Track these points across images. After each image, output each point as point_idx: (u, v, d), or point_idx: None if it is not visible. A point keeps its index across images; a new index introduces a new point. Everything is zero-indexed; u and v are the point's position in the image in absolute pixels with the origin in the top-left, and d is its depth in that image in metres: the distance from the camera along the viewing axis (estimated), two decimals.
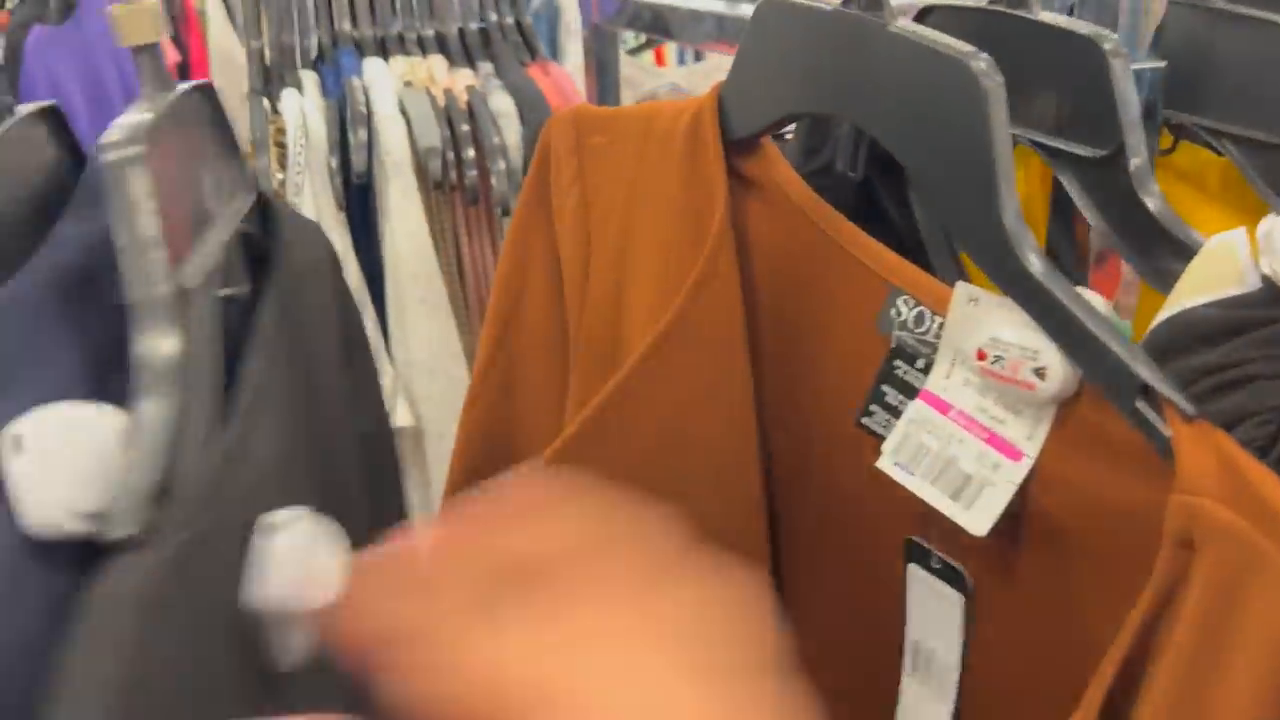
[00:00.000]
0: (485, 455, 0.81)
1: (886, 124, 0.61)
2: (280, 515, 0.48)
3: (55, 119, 0.58)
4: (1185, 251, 0.65)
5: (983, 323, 0.56)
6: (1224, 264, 0.58)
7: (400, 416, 1.56)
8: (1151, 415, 0.49)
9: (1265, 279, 0.54)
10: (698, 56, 2.44)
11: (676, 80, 2.00)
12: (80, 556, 0.41)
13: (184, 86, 0.57)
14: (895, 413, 0.61)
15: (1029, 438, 0.55)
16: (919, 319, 0.61)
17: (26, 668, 0.37)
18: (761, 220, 0.69)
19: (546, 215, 0.77)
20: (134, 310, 0.47)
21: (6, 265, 0.51)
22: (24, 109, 0.56)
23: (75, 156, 0.60)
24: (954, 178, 0.57)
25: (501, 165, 1.53)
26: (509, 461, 0.78)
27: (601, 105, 1.58)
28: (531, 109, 1.57)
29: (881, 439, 0.61)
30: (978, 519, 0.55)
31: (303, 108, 1.51)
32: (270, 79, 1.60)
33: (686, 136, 0.70)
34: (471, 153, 1.53)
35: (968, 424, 0.57)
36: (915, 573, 0.63)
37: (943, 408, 0.59)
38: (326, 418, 0.64)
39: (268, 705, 0.48)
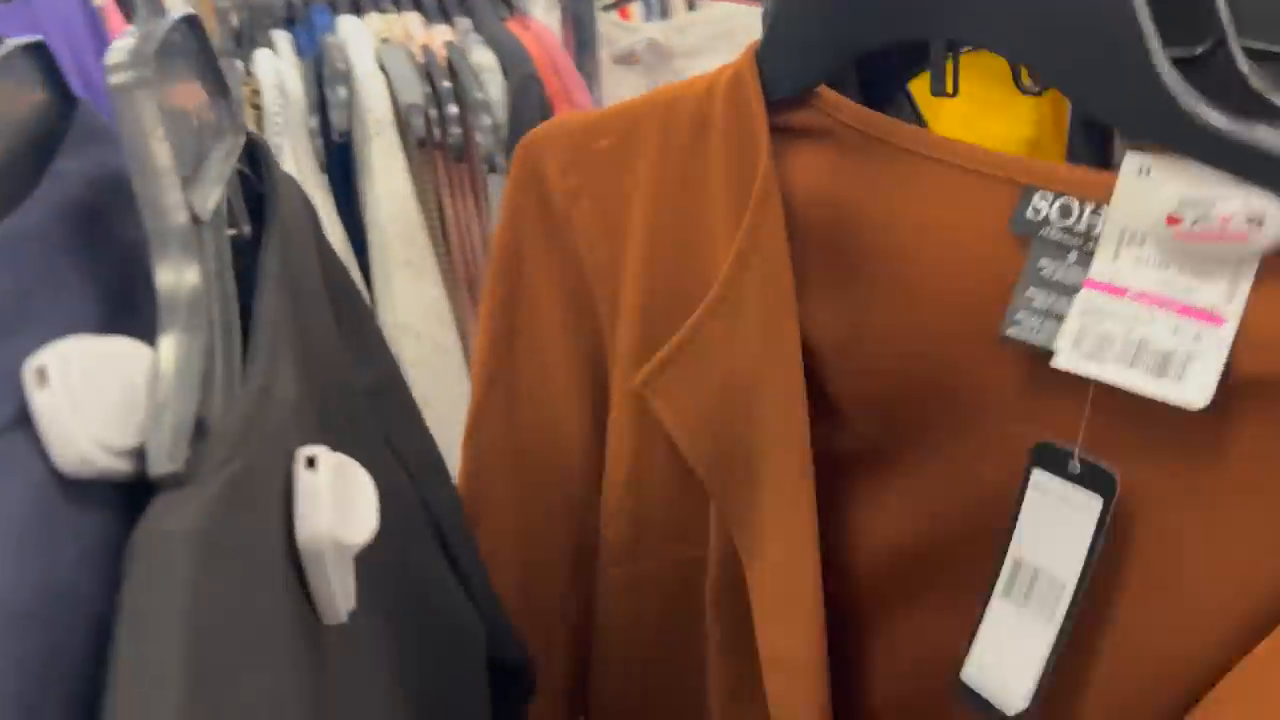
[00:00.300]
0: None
1: (998, 27, 0.56)
2: (318, 449, 0.46)
3: (43, 56, 0.53)
4: None
5: (1162, 190, 0.51)
6: None
7: None
8: None
9: None
10: (664, 13, 2.34)
11: (654, 35, 1.91)
12: (114, 497, 0.39)
13: (174, 15, 0.52)
14: (1048, 315, 0.56)
15: (1228, 300, 0.50)
16: (1064, 211, 0.56)
17: (62, 610, 0.35)
18: (825, 168, 0.64)
19: (544, 239, 0.74)
20: (153, 240, 0.44)
21: (4, 201, 0.46)
22: (11, 43, 0.50)
23: (65, 96, 0.54)
24: (1096, 62, 0.52)
25: (486, 121, 1.48)
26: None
27: (580, 61, 1.60)
28: (514, 62, 1.51)
29: (1033, 347, 0.56)
30: (1193, 391, 0.50)
31: (278, 68, 1.44)
32: (240, 40, 1.52)
33: (726, 105, 0.66)
34: (454, 109, 1.47)
35: (1153, 301, 0.52)
36: (1040, 480, 0.57)
37: (1117, 291, 0.53)
38: (326, 368, 0.60)
39: (313, 655, 0.46)
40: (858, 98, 0.66)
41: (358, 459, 0.50)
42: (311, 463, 0.46)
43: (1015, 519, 0.58)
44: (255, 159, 0.61)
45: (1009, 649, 0.58)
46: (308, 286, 0.60)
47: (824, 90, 0.64)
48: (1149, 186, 0.52)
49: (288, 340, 0.53)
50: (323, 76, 1.45)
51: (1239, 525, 0.52)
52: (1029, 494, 0.58)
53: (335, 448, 0.48)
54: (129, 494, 0.39)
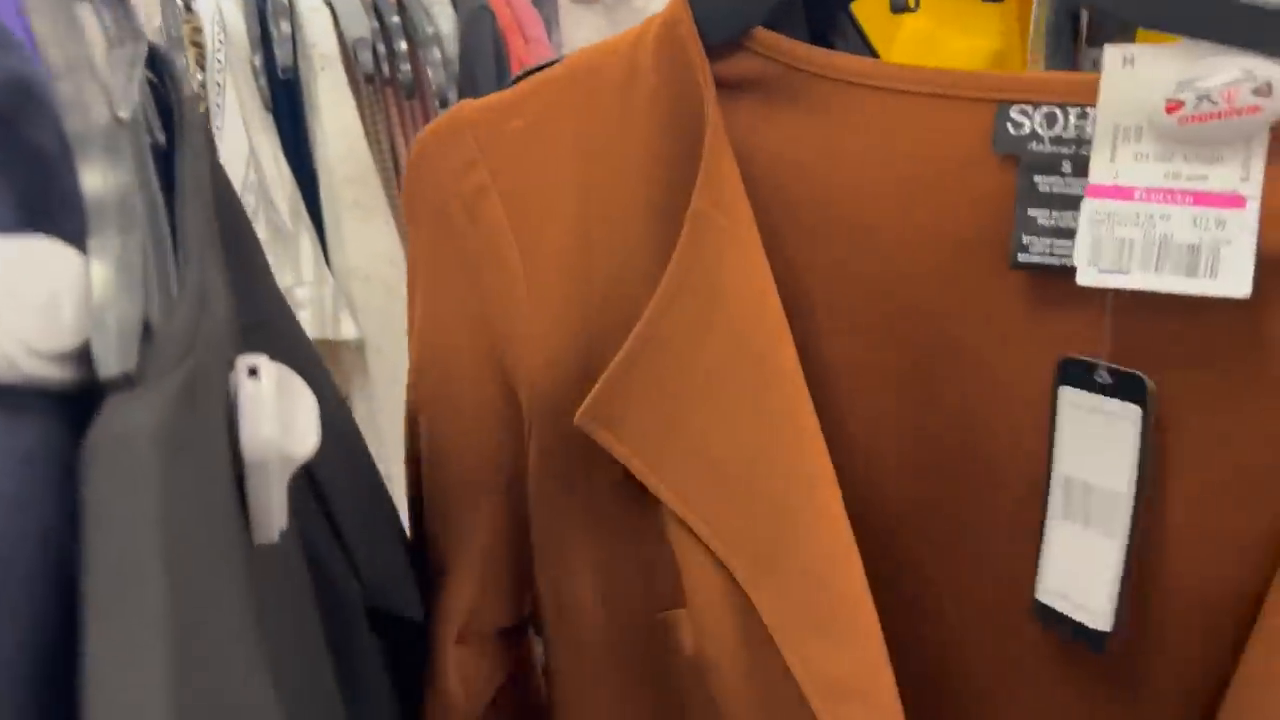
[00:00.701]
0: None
1: None
2: (259, 359, 0.44)
3: None
4: None
5: (1153, 77, 0.48)
6: None
7: (345, 329, 1.47)
8: None
9: None
10: None
11: None
12: (46, 404, 0.37)
13: None
14: (1058, 233, 0.52)
15: (1244, 179, 0.48)
16: (1049, 119, 0.52)
17: (2, 521, 0.34)
18: (776, 118, 0.58)
19: (448, 239, 0.65)
20: (76, 142, 0.41)
21: None
22: None
23: None
24: None
25: (437, 55, 1.43)
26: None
27: (537, 1, 1.54)
28: None
29: (1049, 269, 0.53)
30: (1233, 281, 0.48)
31: (219, 4, 1.39)
32: None
33: (656, 55, 0.59)
34: (404, 44, 1.42)
35: (1164, 196, 0.49)
36: (1070, 397, 0.55)
37: (1124, 194, 0.50)
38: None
39: (248, 573, 0.43)
40: (804, 35, 0.62)
41: None
42: (254, 372, 0.44)
43: (1053, 439, 0.56)
44: (159, 70, 0.56)
45: (1079, 569, 0.56)
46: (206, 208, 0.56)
47: (760, 32, 0.58)
48: (1137, 76, 0.49)
49: (214, 251, 0.50)
50: (265, 12, 1.40)
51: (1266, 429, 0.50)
52: (1062, 412, 0.55)
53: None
54: (61, 402, 0.37)
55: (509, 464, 0.66)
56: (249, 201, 1.51)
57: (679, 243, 0.56)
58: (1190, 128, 0.48)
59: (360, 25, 1.40)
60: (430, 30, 1.43)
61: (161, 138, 0.53)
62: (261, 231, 1.53)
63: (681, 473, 0.56)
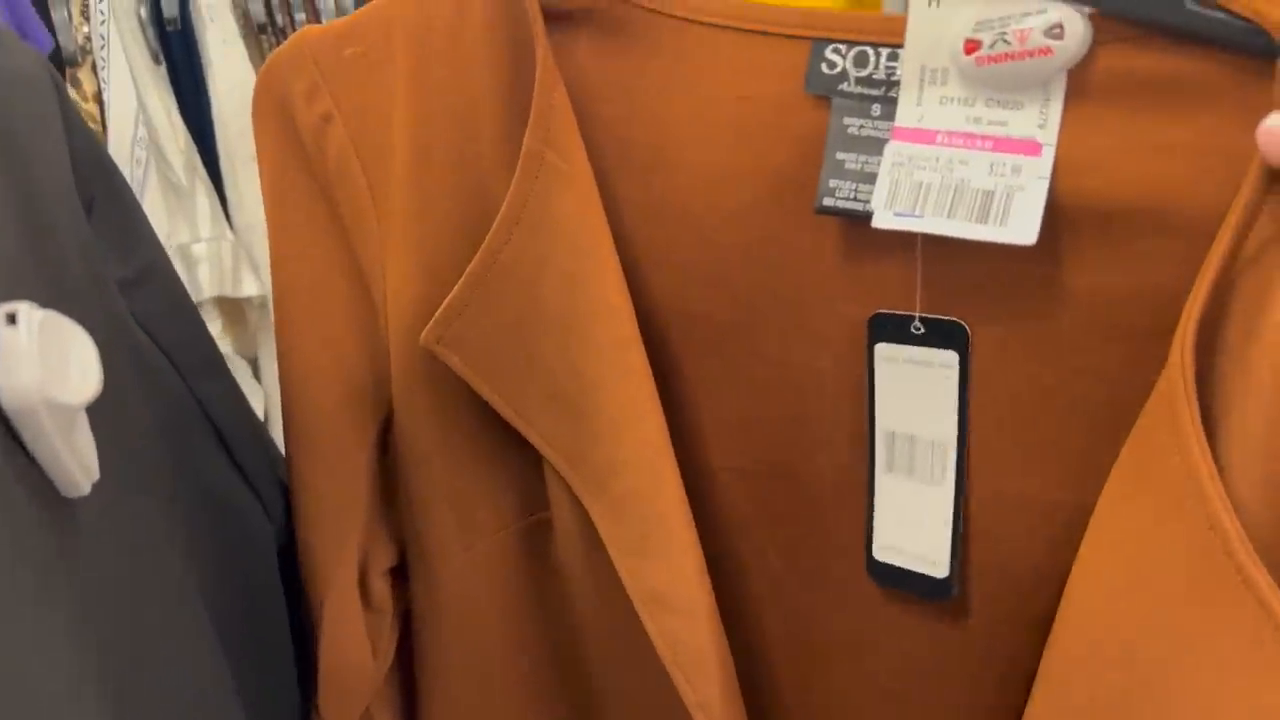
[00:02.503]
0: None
1: None
2: (19, 305, 0.41)
3: None
4: None
5: (955, 16, 0.47)
6: None
7: (246, 285, 1.43)
8: (1212, 13, 0.41)
9: None
10: None
11: None
12: None
13: None
14: (863, 177, 0.50)
15: (1041, 126, 0.46)
16: (860, 59, 0.50)
17: None
18: (602, 51, 0.57)
19: (302, 170, 0.63)
20: None
21: None
22: None
23: None
24: None
25: (332, 3, 1.38)
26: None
27: None
28: None
29: (852, 214, 0.51)
30: (1020, 229, 0.46)
31: None
32: None
33: None
34: None
35: (965, 141, 0.48)
36: (886, 352, 0.53)
37: (927, 137, 0.48)
38: (54, 259, 0.52)
39: (48, 524, 0.42)
40: None
41: (105, 350, 0.44)
42: (12, 319, 0.40)
43: (872, 394, 0.54)
44: None
45: (911, 521, 0.55)
46: (39, 173, 0.51)
47: None
48: (941, 16, 0.47)
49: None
50: None
51: (1088, 355, 0.49)
52: (879, 367, 0.54)
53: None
54: None
55: (376, 393, 0.64)
56: (140, 157, 1.45)
57: (513, 179, 0.55)
58: (987, 69, 0.46)
59: None
60: None
61: None
62: (156, 188, 1.47)
63: (522, 395, 0.57)
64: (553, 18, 0.56)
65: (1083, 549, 0.47)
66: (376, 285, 0.62)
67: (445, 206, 0.59)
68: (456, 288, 0.56)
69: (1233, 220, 0.41)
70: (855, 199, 0.50)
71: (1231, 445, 0.41)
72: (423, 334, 0.57)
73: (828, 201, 0.51)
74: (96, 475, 0.44)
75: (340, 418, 0.64)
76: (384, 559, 0.68)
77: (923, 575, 0.55)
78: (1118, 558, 0.44)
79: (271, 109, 0.62)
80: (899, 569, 0.56)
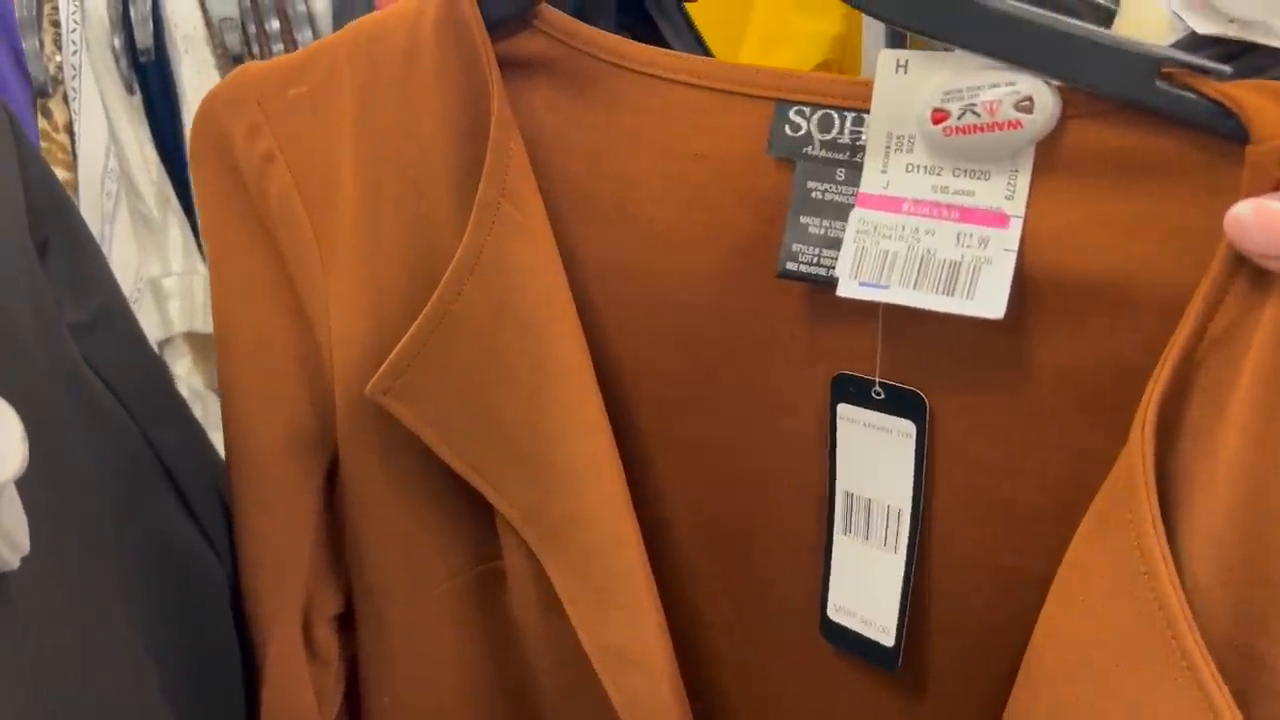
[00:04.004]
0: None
1: None
2: None
3: None
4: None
5: (923, 84, 0.46)
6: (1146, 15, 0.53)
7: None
8: (1182, 92, 0.41)
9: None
10: None
11: None
12: None
13: None
14: (827, 242, 0.49)
15: (1009, 197, 0.45)
16: (824, 123, 0.49)
17: None
18: (561, 103, 0.56)
19: (243, 211, 0.61)
20: None
21: None
22: None
23: None
24: None
25: (309, 35, 1.34)
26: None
27: None
28: None
29: (815, 279, 0.50)
30: (988, 302, 0.45)
31: None
32: None
33: (437, 33, 0.55)
34: (276, 24, 1.33)
35: (931, 210, 0.46)
36: (848, 413, 0.52)
37: (893, 205, 0.47)
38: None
39: None
40: (611, 16, 0.59)
41: (54, 400, 0.45)
42: None
43: (833, 455, 0.53)
44: None
45: (865, 585, 0.54)
46: None
47: (546, 10, 0.55)
48: (908, 84, 0.46)
49: None
50: None
51: (1049, 429, 0.48)
52: (840, 428, 0.53)
53: (22, 389, 0.42)
54: None
55: (322, 437, 0.62)
56: (111, 190, 1.43)
57: (467, 228, 0.53)
58: (955, 140, 0.45)
59: (228, 4, 1.32)
60: (303, 8, 1.34)
61: None
62: (126, 220, 1.45)
63: (475, 448, 0.56)
64: (507, 65, 0.54)
65: (1041, 618, 0.45)
66: (321, 330, 0.60)
67: (394, 254, 0.58)
68: (406, 338, 0.54)
69: (1199, 301, 0.40)
70: (818, 264, 0.49)
71: (1194, 527, 0.40)
72: (369, 385, 0.55)
73: (790, 266, 0.50)
74: (26, 549, 0.42)
75: (283, 463, 0.62)
76: (330, 606, 0.66)
77: (873, 642, 0.54)
78: (1071, 629, 0.43)
79: (210, 148, 0.60)
80: (851, 632, 0.54)
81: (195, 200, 0.63)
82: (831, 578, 0.55)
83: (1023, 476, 0.49)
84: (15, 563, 0.42)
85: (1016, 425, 0.49)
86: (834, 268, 0.48)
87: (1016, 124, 0.43)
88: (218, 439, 0.67)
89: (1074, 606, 0.43)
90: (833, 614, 0.55)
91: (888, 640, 0.53)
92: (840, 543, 0.54)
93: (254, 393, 0.62)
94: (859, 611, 0.54)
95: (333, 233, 0.58)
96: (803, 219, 0.49)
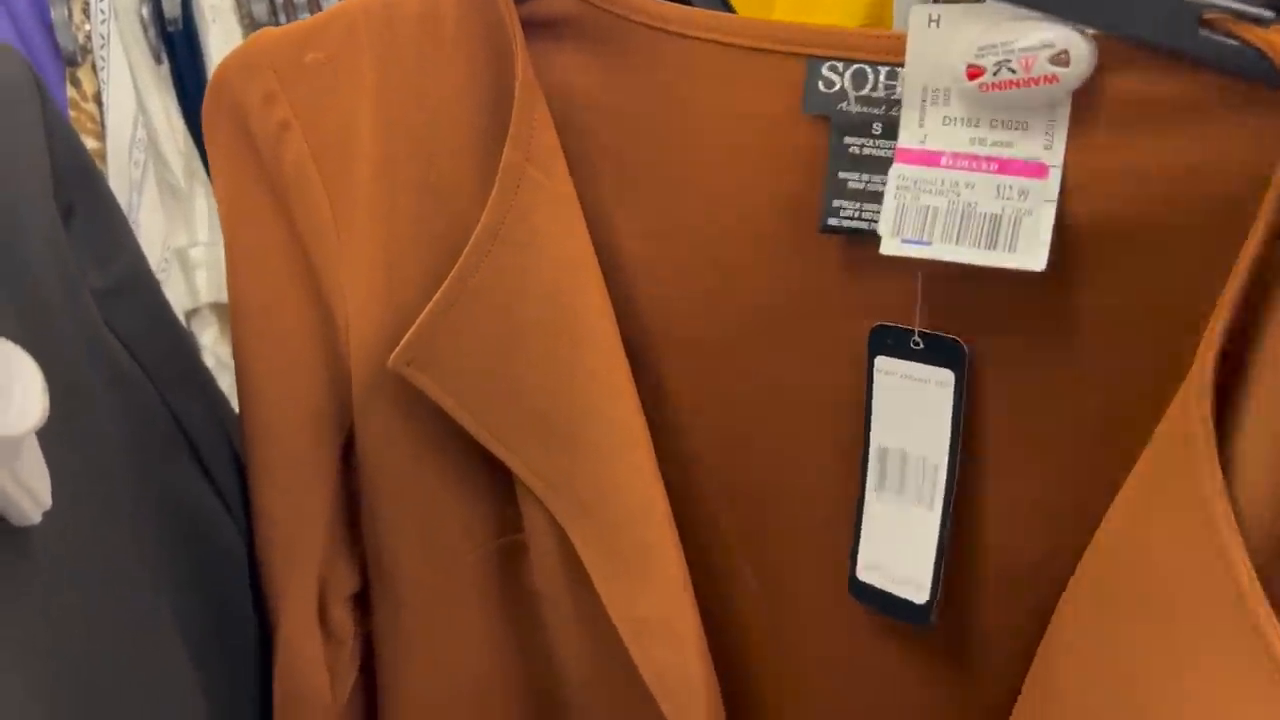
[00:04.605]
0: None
1: None
2: None
3: None
4: None
5: (956, 39, 0.45)
6: None
7: None
8: (1223, 39, 0.40)
9: None
10: None
11: None
12: None
13: None
14: (867, 196, 0.49)
15: (1047, 148, 0.45)
16: (858, 78, 0.49)
17: None
18: (589, 64, 0.55)
19: (258, 181, 0.60)
20: None
21: None
22: None
23: None
24: None
25: (335, 3, 1.36)
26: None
27: None
28: None
29: (858, 232, 0.50)
30: (1029, 254, 0.45)
31: None
32: None
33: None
34: None
35: (970, 163, 0.46)
36: (885, 365, 0.52)
37: (931, 159, 0.47)
38: (28, 262, 0.51)
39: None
40: None
41: (78, 363, 0.45)
42: None
43: (869, 408, 0.53)
44: None
45: (898, 542, 0.54)
46: (8, 178, 0.50)
47: None
48: (942, 38, 0.45)
49: None
50: None
51: (1091, 377, 0.48)
52: (877, 380, 0.52)
53: (45, 352, 0.41)
54: None
55: (337, 411, 0.61)
56: (139, 159, 1.43)
57: (491, 194, 0.52)
58: (992, 95, 0.45)
59: None
60: None
61: None
62: (154, 190, 1.45)
63: (500, 418, 0.55)
64: (531, 26, 0.53)
65: (1085, 561, 0.46)
66: (337, 301, 0.58)
67: (414, 222, 0.57)
68: (429, 307, 0.53)
69: (1255, 241, 0.40)
70: (860, 218, 0.49)
71: (1246, 456, 0.40)
72: (391, 356, 0.54)
73: (832, 221, 0.50)
74: (48, 504, 0.42)
75: (297, 437, 0.62)
76: (346, 585, 0.65)
77: (904, 600, 0.54)
78: (1121, 573, 0.43)
79: (225, 116, 0.59)
80: (880, 590, 0.54)
81: (210, 169, 0.61)
82: (863, 535, 0.55)
83: (1062, 423, 0.49)
84: (37, 517, 0.42)
85: (1057, 372, 0.49)
86: (875, 221, 0.48)
87: (1053, 78, 0.43)
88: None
89: (1128, 548, 0.44)
90: (862, 574, 0.55)
91: (920, 597, 0.53)
92: (873, 499, 0.54)
93: (268, 366, 0.62)
94: (891, 569, 0.54)
95: (349, 202, 0.57)
96: (841, 174, 0.49)
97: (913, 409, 0.52)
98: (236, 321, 0.62)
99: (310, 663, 0.64)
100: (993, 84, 0.44)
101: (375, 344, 0.57)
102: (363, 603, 0.67)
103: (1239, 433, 0.40)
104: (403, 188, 0.57)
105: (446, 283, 0.53)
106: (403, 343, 0.54)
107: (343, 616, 0.65)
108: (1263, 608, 0.38)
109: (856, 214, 0.49)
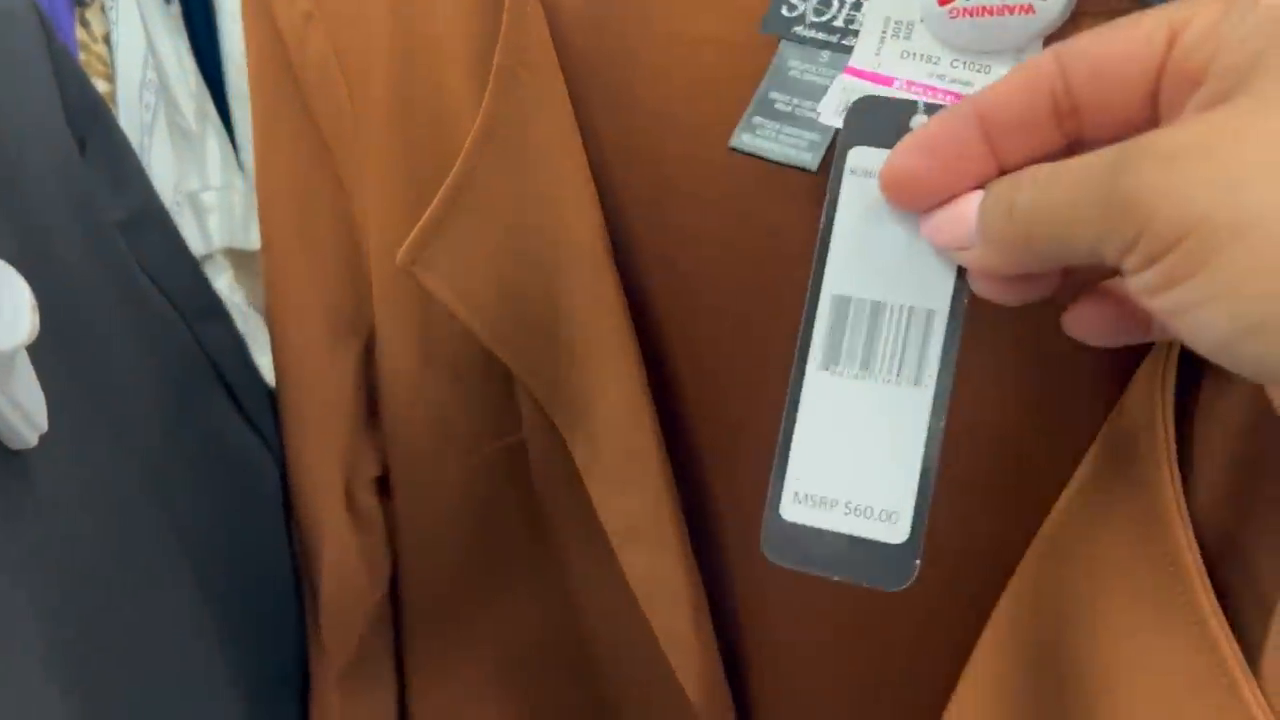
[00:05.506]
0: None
1: None
2: None
3: None
4: None
5: None
6: None
7: (256, 236, 1.41)
8: None
9: None
10: None
11: None
12: None
13: None
14: (790, 119, 0.44)
15: None
16: (822, 5, 0.45)
17: None
18: None
19: (284, 72, 0.61)
20: None
21: None
22: None
23: None
24: None
25: None
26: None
27: None
28: None
29: (765, 158, 0.45)
30: None
31: None
32: None
33: None
34: None
35: (924, 92, 0.42)
36: (862, 160, 0.41)
37: (883, 80, 0.43)
38: (49, 196, 0.51)
39: None
40: None
41: (91, 293, 0.45)
42: None
43: (825, 240, 0.40)
44: None
45: (857, 448, 0.39)
46: (13, 110, 0.51)
47: None
48: None
49: None
50: None
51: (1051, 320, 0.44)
52: (845, 186, 0.40)
53: (51, 281, 0.42)
54: None
55: (359, 306, 0.64)
56: (149, 102, 1.43)
57: (485, 96, 0.52)
58: (960, 22, 0.40)
59: None
60: None
61: None
62: (164, 134, 1.45)
63: (499, 320, 0.55)
64: None
65: (1029, 557, 0.44)
66: (356, 198, 0.60)
67: (424, 124, 0.57)
68: (431, 207, 0.53)
69: None
70: (778, 139, 0.44)
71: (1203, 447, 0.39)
72: (399, 253, 0.54)
73: (745, 137, 0.45)
74: (44, 428, 0.42)
75: (324, 327, 0.64)
76: (369, 468, 0.67)
77: (866, 540, 0.39)
78: (1066, 569, 0.43)
79: (257, 6, 0.60)
80: (821, 531, 0.39)
81: (246, 62, 0.63)
82: (794, 443, 0.40)
83: (1024, 355, 0.47)
84: (34, 440, 0.42)
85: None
86: (789, 153, 0.44)
87: (1029, 9, 0.39)
88: (263, 364, 0.68)
89: (1077, 543, 0.43)
90: (787, 511, 0.40)
91: (894, 534, 0.39)
92: (815, 382, 0.39)
93: (294, 261, 0.64)
94: (840, 496, 0.40)
95: (367, 100, 0.58)
96: (772, 94, 0.45)
97: (899, 234, 0.39)
98: (264, 209, 0.64)
99: (350, 557, 0.67)
100: (964, 9, 0.40)
101: (391, 242, 0.57)
102: (387, 492, 0.69)
103: (1198, 418, 0.39)
104: (418, 86, 0.57)
105: (446, 183, 0.53)
106: (408, 241, 0.54)
107: (369, 501, 0.68)
108: (1208, 600, 0.37)
109: (774, 135, 0.45)
